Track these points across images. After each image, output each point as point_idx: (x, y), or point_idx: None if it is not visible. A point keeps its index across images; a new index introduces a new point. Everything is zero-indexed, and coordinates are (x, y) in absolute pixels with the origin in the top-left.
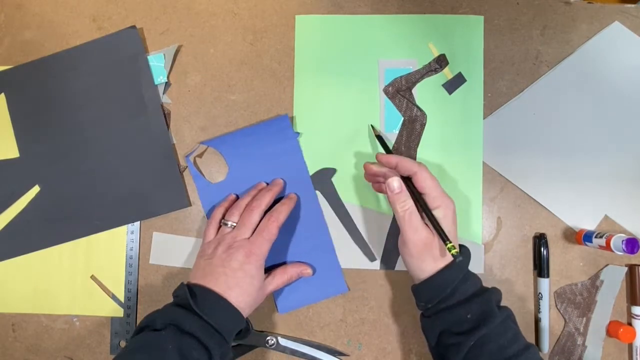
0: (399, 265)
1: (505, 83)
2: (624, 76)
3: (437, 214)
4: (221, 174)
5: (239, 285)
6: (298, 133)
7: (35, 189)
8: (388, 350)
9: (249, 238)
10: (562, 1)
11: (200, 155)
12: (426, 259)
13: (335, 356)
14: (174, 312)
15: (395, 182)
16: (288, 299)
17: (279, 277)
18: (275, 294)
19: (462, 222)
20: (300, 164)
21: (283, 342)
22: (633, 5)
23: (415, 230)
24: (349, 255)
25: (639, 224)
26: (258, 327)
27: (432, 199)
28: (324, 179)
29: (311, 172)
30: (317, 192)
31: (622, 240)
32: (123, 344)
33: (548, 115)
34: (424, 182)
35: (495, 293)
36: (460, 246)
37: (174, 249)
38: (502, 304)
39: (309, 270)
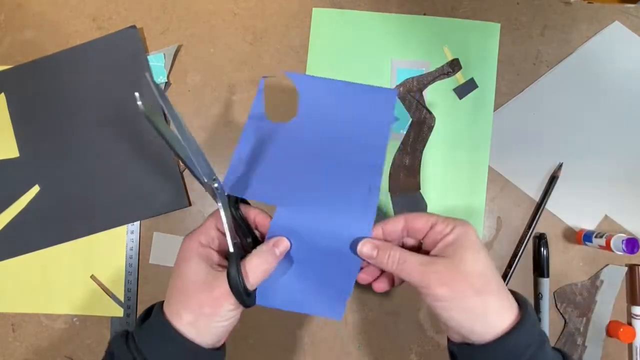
0: None
1: (505, 83)
2: (624, 76)
3: (457, 233)
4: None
5: (174, 286)
6: (397, 119)
7: (35, 189)
8: (388, 350)
9: None
10: (562, 1)
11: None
12: (471, 303)
13: None
14: (116, 341)
15: (366, 245)
16: (269, 291)
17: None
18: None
19: None
20: (379, 152)
21: None
22: (633, 5)
23: (424, 274)
24: None
25: (639, 224)
26: (256, 327)
27: (442, 226)
28: None
29: None
30: None
31: (622, 240)
32: None
33: (548, 115)
34: (420, 220)
35: None
36: (512, 292)
37: (174, 249)
38: None
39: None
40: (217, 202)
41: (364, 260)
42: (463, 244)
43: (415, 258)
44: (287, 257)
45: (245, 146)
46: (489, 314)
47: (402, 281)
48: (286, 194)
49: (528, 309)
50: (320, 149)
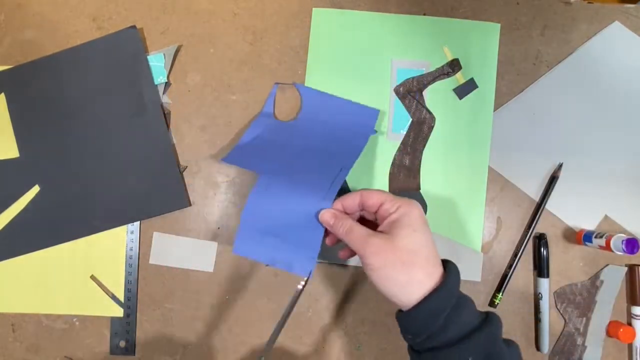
0: None
1: (505, 83)
2: (624, 76)
3: (400, 212)
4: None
5: None
6: (376, 132)
7: (35, 189)
8: (388, 350)
9: None
10: (562, 1)
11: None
12: (397, 274)
13: None
14: None
15: (326, 214)
16: (249, 242)
17: None
18: (241, 228)
19: (463, 227)
20: (356, 150)
21: None
22: (633, 5)
23: (363, 244)
24: None
25: (639, 224)
26: (254, 324)
27: (388, 205)
28: None
29: None
30: None
31: (622, 240)
32: (123, 344)
33: (548, 115)
34: (372, 197)
35: (498, 325)
36: (444, 261)
37: (173, 249)
38: (503, 304)
39: None
40: None
41: (328, 228)
42: (403, 222)
43: (360, 230)
44: (267, 217)
45: (251, 133)
46: (411, 284)
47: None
48: (272, 167)
49: (449, 278)
50: (309, 143)
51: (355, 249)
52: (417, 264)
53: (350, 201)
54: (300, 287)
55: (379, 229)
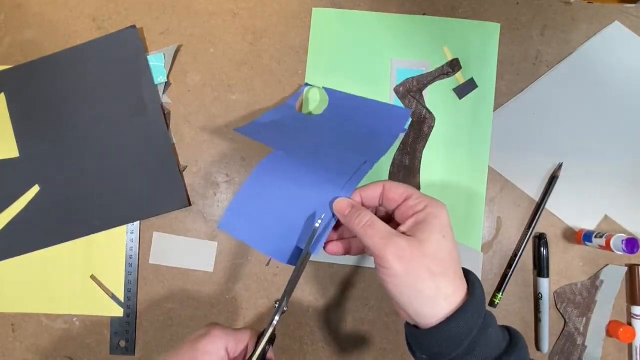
0: None
1: (505, 83)
2: (624, 76)
3: (428, 213)
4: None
5: None
6: (406, 130)
7: (35, 189)
8: (388, 350)
9: None
10: (562, 1)
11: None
12: (423, 284)
13: None
14: None
15: (342, 202)
16: (239, 220)
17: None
18: (236, 201)
19: (463, 227)
20: (377, 155)
21: None
22: (633, 5)
23: (385, 243)
24: None
25: (639, 224)
26: (255, 324)
27: (416, 202)
28: None
29: None
30: None
31: (622, 240)
32: (123, 344)
33: (548, 115)
34: (396, 189)
35: (525, 347)
36: (465, 271)
37: (173, 249)
38: (503, 304)
39: None
40: (273, 320)
41: (341, 219)
42: (433, 225)
43: (382, 226)
44: (270, 198)
45: (269, 117)
46: (438, 298)
47: (358, 252)
48: (288, 145)
49: (475, 293)
50: (332, 137)
51: (372, 248)
52: (445, 275)
53: (371, 192)
54: (317, 225)
55: (401, 228)
